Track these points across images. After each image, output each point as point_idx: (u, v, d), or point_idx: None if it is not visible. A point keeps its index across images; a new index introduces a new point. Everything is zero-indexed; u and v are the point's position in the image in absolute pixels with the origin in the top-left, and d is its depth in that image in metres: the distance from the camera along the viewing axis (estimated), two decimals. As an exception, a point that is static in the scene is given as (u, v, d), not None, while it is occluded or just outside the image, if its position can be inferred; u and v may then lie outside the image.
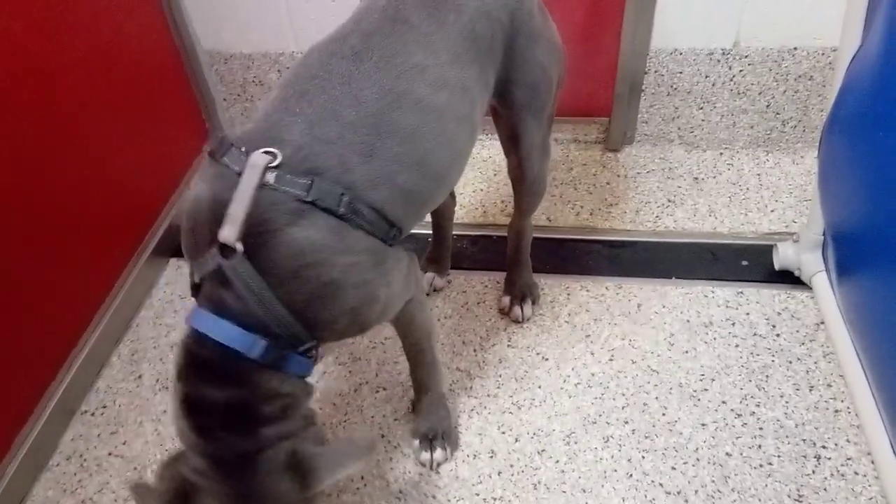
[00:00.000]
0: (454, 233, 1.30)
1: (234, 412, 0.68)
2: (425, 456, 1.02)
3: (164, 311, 1.32)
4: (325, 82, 0.73)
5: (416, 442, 1.04)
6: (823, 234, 1.18)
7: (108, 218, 1.27)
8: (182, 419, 0.68)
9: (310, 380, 0.76)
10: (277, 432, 0.69)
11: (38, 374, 1.11)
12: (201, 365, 0.68)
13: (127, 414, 1.15)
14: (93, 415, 1.16)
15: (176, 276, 1.39)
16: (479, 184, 1.52)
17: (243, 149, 0.69)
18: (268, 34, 1.54)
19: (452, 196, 1.24)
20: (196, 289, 0.71)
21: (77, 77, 1.17)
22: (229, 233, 0.65)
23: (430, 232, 1.26)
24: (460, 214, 1.45)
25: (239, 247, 0.65)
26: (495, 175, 1.54)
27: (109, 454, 1.10)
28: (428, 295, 1.28)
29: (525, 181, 1.05)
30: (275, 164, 0.67)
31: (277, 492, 0.67)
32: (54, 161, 1.12)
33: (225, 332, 0.67)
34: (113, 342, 1.26)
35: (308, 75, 0.74)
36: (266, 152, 0.67)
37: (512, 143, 0.99)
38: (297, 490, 0.68)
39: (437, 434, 1.03)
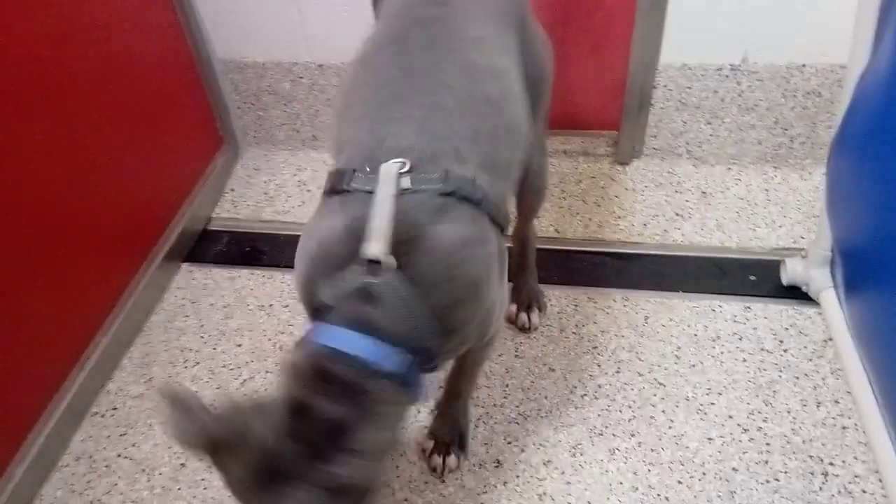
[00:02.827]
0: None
1: (333, 433, 0.62)
2: (437, 461, 1.02)
3: (176, 315, 1.34)
4: (410, 79, 0.72)
5: (431, 443, 1.04)
6: (832, 251, 1.18)
7: (121, 223, 1.29)
8: (281, 418, 0.62)
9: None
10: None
11: (50, 376, 1.12)
12: (328, 379, 0.63)
13: (137, 416, 1.16)
14: (103, 416, 1.17)
15: (187, 281, 1.41)
16: (488, 195, 1.53)
17: (367, 168, 0.66)
18: (281, 44, 1.56)
19: None
20: (320, 310, 0.67)
21: (91, 84, 1.19)
22: (377, 248, 0.62)
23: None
24: (469, 225, 1.47)
25: (391, 261, 0.63)
26: (504, 186, 1.55)
27: (118, 456, 1.11)
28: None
29: (527, 178, 1.05)
30: (406, 169, 0.65)
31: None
32: (67, 166, 1.14)
33: (370, 348, 0.63)
34: (124, 345, 1.27)
35: (386, 79, 0.73)
36: (398, 162, 0.66)
37: None
38: None
39: (454, 439, 1.03)
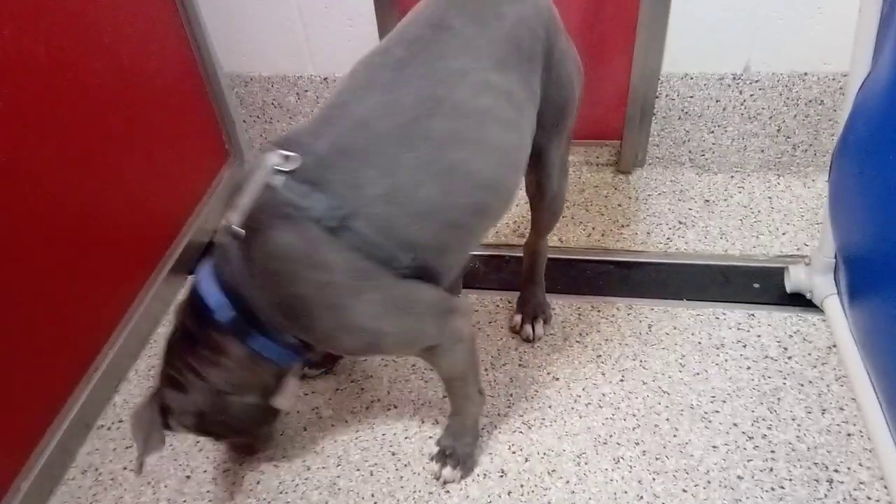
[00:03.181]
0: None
1: (189, 340, 0.83)
2: (434, 467, 1.03)
3: (181, 327, 1.34)
4: (366, 92, 0.75)
5: (435, 450, 1.05)
6: (835, 258, 1.18)
7: (128, 235, 1.30)
8: (178, 313, 0.87)
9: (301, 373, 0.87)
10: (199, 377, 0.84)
11: (56, 388, 1.13)
12: (189, 301, 0.83)
13: (142, 428, 1.17)
14: (109, 429, 1.17)
15: (193, 294, 1.42)
16: (492, 205, 1.54)
17: (275, 150, 0.73)
18: (287, 58, 1.58)
19: None
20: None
21: (99, 98, 1.21)
22: (232, 218, 0.72)
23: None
24: (472, 235, 1.47)
25: (240, 232, 0.72)
26: (507, 196, 1.55)
27: (124, 468, 1.11)
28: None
29: (544, 199, 1.06)
30: (287, 168, 0.71)
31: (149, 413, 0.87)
32: (75, 179, 1.15)
33: (207, 289, 0.79)
34: (131, 358, 1.28)
35: (352, 87, 0.77)
36: (286, 156, 0.72)
37: (534, 162, 0.98)
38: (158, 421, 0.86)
39: (454, 454, 1.03)
